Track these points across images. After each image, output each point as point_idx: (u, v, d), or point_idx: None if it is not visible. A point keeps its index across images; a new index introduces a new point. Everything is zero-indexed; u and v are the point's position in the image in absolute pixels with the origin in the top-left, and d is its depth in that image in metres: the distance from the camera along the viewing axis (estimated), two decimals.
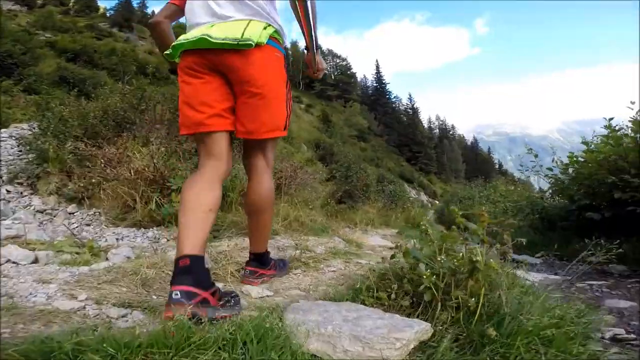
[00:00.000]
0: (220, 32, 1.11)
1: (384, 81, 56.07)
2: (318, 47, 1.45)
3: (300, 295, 1.30)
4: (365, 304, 1.01)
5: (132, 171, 2.49)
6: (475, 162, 59.78)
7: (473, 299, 0.88)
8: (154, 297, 1.19)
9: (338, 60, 52.59)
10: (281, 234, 2.56)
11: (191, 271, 0.95)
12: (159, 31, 1.39)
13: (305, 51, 1.47)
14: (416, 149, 45.66)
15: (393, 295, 1.00)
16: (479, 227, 1.02)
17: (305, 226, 3.02)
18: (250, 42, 1.09)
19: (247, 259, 1.43)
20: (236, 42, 1.08)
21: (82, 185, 2.68)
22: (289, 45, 43.27)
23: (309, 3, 1.27)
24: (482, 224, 1.02)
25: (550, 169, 3.52)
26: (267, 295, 1.29)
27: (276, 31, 1.23)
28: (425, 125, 58.32)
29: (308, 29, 1.33)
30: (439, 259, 0.98)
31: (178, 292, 0.89)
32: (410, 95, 56.48)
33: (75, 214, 2.59)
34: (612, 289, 1.77)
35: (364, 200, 6.91)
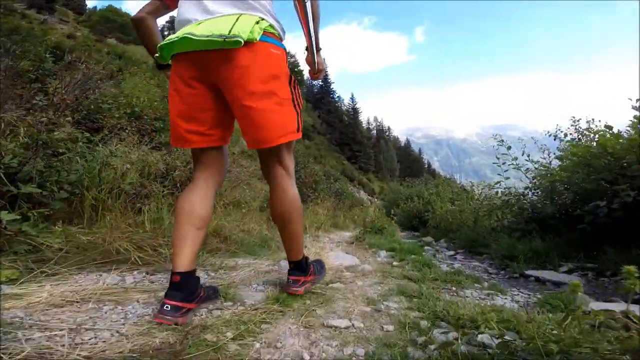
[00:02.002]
0: (205, 30, 1.02)
1: (329, 80, 57.09)
2: (319, 47, 1.40)
3: None
4: None
5: None
6: (407, 161, 64.78)
7: None
8: None
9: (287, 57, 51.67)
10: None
11: (181, 288, 1.09)
12: (142, 29, 1.29)
13: (306, 52, 1.41)
14: (356, 148, 47.69)
15: None
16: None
17: (233, 242, 2.50)
18: (238, 40, 0.98)
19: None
20: (222, 39, 0.99)
21: None
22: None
23: (308, 3, 1.23)
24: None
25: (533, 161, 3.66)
26: None
27: (271, 25, 1.15)
28: (365, 126, 61.07)
29: (308, 29, 1.29)
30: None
31: (168, 306, 1.05)
32: (352, 96, 58.56)
33: None
34: None
35: (313, 199, 6.88)
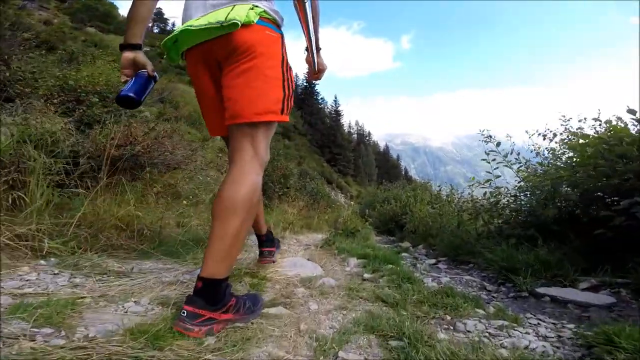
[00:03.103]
0: (203, 20, 1.04)
1: (313, 82, 56.77)
2: (319, 47, 1.42)
3: None
4: None
5: None
6: (386, 167, 65.44)
7: None
8: None
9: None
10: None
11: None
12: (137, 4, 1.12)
13: (306, 52, 1.43)
14: (336, 151, 47.56)
15: None
16: None
17: (146, 238, 1.92)
18: (235, 22, 0.99)
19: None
20: (219, 25, 1.00)
21: None
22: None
23: (307, 3, 1.24)
24: None
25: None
26: None
27: (265, 11, 1.12)
28: (346, 129, 61.13)
29: (307, 29, 1.29)
30: None
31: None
32: (336, 98, 58.48)
33: None
34: None
35: (281, 196, 6.26)
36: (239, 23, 0.99)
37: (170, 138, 3.43)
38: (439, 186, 6.57)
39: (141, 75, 1.07)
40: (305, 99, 54.29)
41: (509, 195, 3.49)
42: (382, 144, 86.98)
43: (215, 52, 1.08)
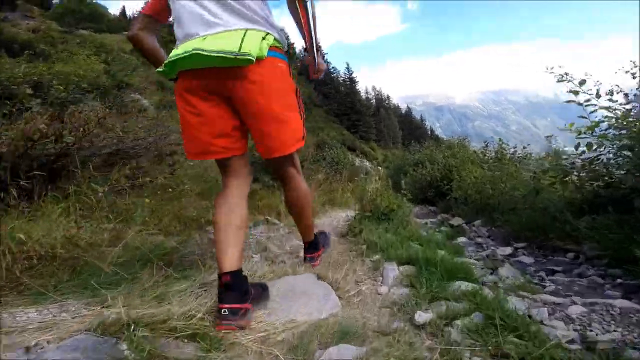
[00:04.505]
0: (214, 45, 1.02)
1: (322, 51, 53.92)
2: (319, 48, 1.37)
3: None
4: None
5: None
6: (410, 128, 62.57)
7: None
8: None
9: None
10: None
11: (233, 288, 1.06)
12: (140, 47, 1.26)
13: (306, 53, 1.39)
14: (355, 118, 45.75)
15: None
16: None
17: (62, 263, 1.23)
18: (250, 58, 1.00)
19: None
20: (234, 57, 0.99)
21: None
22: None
23: (309, 4, 1.22)
24: None
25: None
26: None
27: (275, 39, 1.15)
28: (363, 96, 58.35)
29: (309, 31, 1.28)
30: None
31: (226, 310, 1.02)
32: (348, 66, 55.47)
33: None
34: None
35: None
36: (253, 59, 1.00)
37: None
38: (486, 143, 5.32)
39: None
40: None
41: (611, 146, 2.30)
42: (403, 107, 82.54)
43: (224, 77, 1.07)
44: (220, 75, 1.06)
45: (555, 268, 1.88)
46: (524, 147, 5.16)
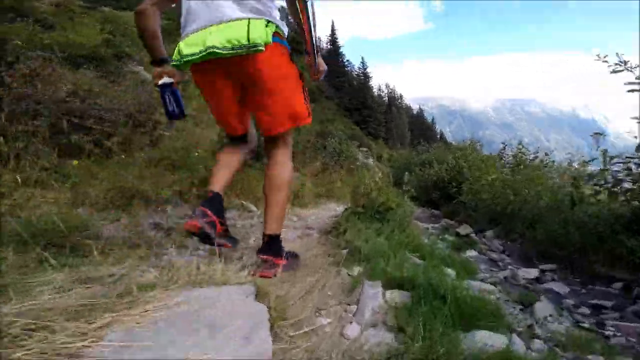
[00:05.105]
0: (223, 38, 1.09)
1: (338, 43, 52.85)
2: (319, 49, 1.40)
3: None
4: None
5: None
6: (420, 129, 61.58)
7: None
8: None
9: (291, 19, 47.56)
10: None
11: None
12: (143, 25, 1.23)
13: (306, 54, 1.39)
14: (366, 113, 44.96)
15: None
16: None
17: None
18: (260, 48, 1.08)
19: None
20: (246, 50, 1.08)
21: None
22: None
23: (309, 4, 1.22)
24: None
25: None
26: None
27: (277, 26, 1.21)
28: (376, 93, 57.35)
29: (310, 32, 1.29)
30: None
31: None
32: (362, 60, 54.38)
33: None
34: None
35: (293, 158, 4.90)
36: (262, 48, 1.08)
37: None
38: (504, 144, 4.79)
39: (172, 90, 1.25)
40: (329, 62, 51.15)
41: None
42: (415, 108, 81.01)
43: (234, 66, 1.15)
44: (230, 62, 1.13)
45: (603, 303, 1.37)
46: (547, 154, 4.62)
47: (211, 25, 1.11)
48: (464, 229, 2.87)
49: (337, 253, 1.55)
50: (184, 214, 2.11)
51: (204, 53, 1.08)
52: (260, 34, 1.08)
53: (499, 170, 3.37)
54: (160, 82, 1.23)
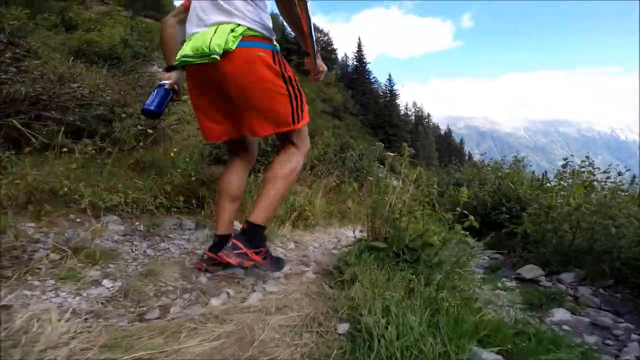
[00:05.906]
0: (193, 45, 1.12)
1: (364, 60, 53.00)
2: (318, 50, 1.38)
3: None
4: None
5: None
6: (448, 150, 59.68)
7: None
8: None
9: (319, 35, 48.59)
10: None
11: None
12: (164, 32, 1.36)
13: (306, 56, 1.40)
14: (391, 132, 44.14)
15: None
16: None
17: None
18: (214, 56, 1.09)
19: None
20: (206, 58, 1.10)
21: None
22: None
23: (308, 3, 1.19)
24: None
25: None
26: None
27: (249, 29, 1.18)
28: (402, 112, 56.46)
29: (309, 33, 1.27)
30: None
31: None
32: (390, 77, 54.04)
33: None
34: None
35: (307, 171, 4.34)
36: (218, 57, 1.09)
37: None
38: (566, 161, 3.92)
39: (164, 91, 1.33)
40: (356, 78, 51.05)
41: None
42: (443, 127, 78.84)
43: (206, 75, 1.20)
44: (201, 69, 1.18)
45: None
46: (620, 174, 3.68)
47: (195, 34, 1.17)
48: (529, 271, 2.02)
49: (330, 329, 0.82)
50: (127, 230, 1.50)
51: (181, 59, 1.14)
52: (219, 41, 1.09)
53: (580, 196, 2.49)
54: (160, 82, 1.33)
